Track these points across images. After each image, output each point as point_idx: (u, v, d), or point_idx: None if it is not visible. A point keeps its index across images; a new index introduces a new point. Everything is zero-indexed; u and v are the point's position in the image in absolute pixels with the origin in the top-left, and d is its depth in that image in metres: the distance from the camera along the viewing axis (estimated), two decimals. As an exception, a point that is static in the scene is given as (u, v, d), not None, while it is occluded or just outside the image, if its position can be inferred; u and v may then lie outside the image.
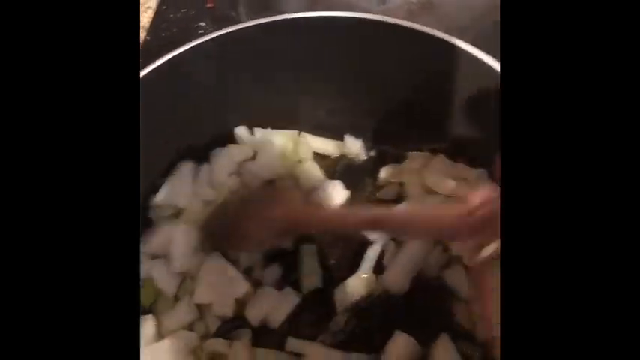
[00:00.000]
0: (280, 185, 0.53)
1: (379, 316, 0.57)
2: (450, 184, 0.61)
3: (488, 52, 0.53)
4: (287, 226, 0.45)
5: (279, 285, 0.60)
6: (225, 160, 0.67)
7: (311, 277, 0.60)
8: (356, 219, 0.45)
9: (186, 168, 0.66)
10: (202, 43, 0.57)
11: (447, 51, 0.55)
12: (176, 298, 0.59)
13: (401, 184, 0.65)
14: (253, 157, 0.68)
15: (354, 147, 0.69)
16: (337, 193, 0.65)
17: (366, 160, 0.69)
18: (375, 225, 0.45)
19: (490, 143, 0.58)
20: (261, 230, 0.45)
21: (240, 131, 0.69)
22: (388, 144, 0.69)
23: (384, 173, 0.66)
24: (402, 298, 0.58)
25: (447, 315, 0.56)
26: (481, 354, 0.53)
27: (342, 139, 0.70)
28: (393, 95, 0.64)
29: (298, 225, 0.45)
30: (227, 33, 0.57)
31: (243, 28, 0.58)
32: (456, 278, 0.58)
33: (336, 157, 0.70)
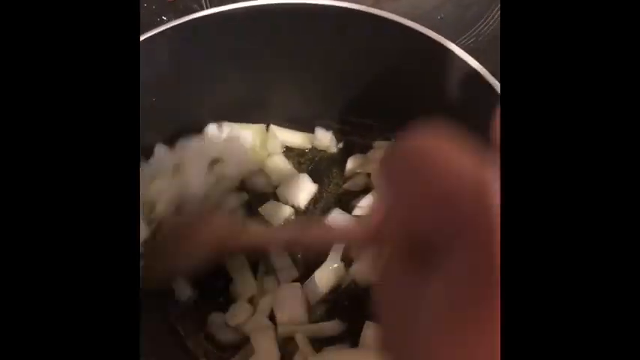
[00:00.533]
0: (208, 212, 0.58)
1: (350, 307, 0.57)
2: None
3: (453, 38, 0.53)
4: (216, 247, 0.51)
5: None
6: (196, 160, 0.64)
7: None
8: (274, 239, 0.52)
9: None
10: (159, 32, 0.54)
11: (412, 38, 0.54)
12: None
13: (368, 175, 0.64)
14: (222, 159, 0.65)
15: (325, 139, 0.68)
16: (304, 187, 0.64)
17: (336, 151, 0.68)
18: (290, 244, 0.54)
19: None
20: (194, 251, 0.51)
21: (211, 129, 0.67)
22: (356, 134, 0.68)
23: (350, 164, 0.65)
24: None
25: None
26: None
27: (312, 131, 0.69)
28: (361, 84, 0.63)
29: (225, 245, 0.51)
30: (185, 22, 0.55)
31: (203, 17, 0.56)
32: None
33: (307, 150, 0.69)
